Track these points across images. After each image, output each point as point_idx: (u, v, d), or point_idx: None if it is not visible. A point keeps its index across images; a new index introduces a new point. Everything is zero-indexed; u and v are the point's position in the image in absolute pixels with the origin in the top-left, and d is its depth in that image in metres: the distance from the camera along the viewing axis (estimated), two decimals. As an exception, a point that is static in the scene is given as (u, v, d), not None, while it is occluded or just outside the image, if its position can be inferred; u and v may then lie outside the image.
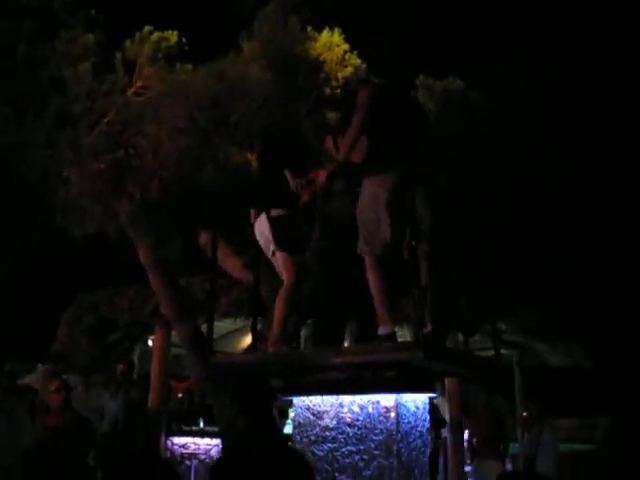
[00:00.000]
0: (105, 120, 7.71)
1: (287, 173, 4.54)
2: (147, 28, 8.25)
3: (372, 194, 4.13)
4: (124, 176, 6.74)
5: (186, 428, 9.85)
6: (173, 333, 8.83)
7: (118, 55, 8.12)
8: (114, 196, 6.76)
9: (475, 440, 8.74)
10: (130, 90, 8.04)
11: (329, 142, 4.68)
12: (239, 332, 10.78)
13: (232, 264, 7.21)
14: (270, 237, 4.48)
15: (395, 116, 4.28)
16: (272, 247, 4.49)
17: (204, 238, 7.40)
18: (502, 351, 8.11)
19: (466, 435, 9.30)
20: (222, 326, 10.05)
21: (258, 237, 4.62)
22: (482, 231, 6.16)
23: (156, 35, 8.20)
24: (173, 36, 8.17)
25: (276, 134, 5.08)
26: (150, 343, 10.40)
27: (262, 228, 4.55)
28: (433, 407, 7.43)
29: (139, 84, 8.05)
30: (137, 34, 8.19)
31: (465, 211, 6.43)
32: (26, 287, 12.12)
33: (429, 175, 4.37)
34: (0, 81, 7.96)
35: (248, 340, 10.31)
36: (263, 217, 4.54)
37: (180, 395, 10.83)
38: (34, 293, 12.63)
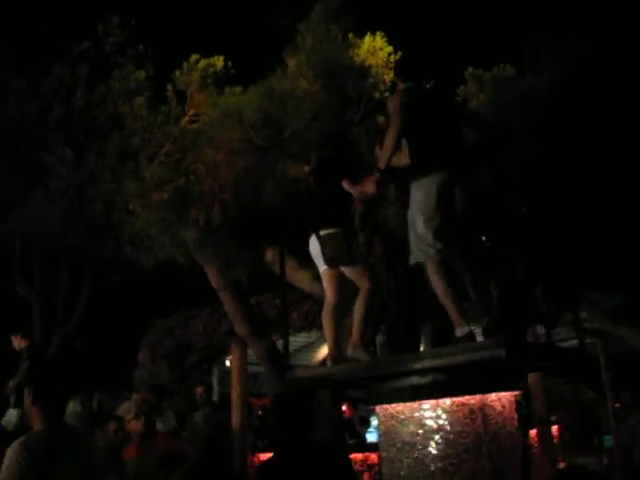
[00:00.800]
0: (163, 151, 7.95)
1: (345, 183, 4.55)
2: (194, 57, 8.45)
3: (419, 198, 4.11)
4: (187, 203, 6.90)
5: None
6: (249, 352, 8.94)
7: (169, 86, 8.37)
8: (179, 223, 6.93)
9: (566, 436, 8.42)
10: (184, 119, 8.26)
11: (378, 149, 4.67)
12: (313, 345, 10.84)
13: (300, 278, 7.25)
14: (319, 254, 4.55)
15: (432, 116, 4.24)
16: (322, 265, 4.58)
17: (270, 255, 7.49)
18: (587, 340, 7.83)
19: (555, 431, 8.99)
20: (296, 340, 10.11)
21: (311, 253, 4.70)
22: (555, 218, 5.99)
23: (203, 62, 8.39)
24: (219, 61, 8.34)
25: (330, 145, 5.10)
26: (228, 363, 10.57)
27: (313, 245, 4.61)
28: (519, 404, 7.23)
29: (192, 112, 8.27)
30: (185, 64, 8.42)
31: (536, 199, 6.27)
32: (104, 317, 12.59)
33: (473, 170, 4.30)
34: (61, 124, 8.34)
35: (322, 353, 10.35)
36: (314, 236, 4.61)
37: (260, 412, 10.95)
38: (113, 322, 13.09)
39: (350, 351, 4.42)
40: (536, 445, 8.90)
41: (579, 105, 7.37)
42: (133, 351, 10.76)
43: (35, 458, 3.38)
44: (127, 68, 8.39)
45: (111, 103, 8.36)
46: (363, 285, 4.41)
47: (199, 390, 8.56)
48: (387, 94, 7.60)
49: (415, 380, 4.16)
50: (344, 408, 11.52)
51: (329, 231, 4.53)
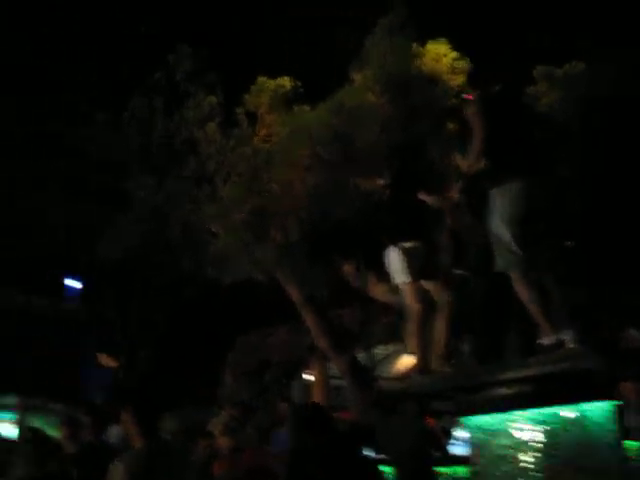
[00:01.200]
0: (237, 171, 8.18)
1: (422, 195, 4.53)
2: (262, 79, 8.68)
3: (503, 206, 4.04)
4: (264, 222, 7.06)
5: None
6: (329, 365, 8.99)
7: (239, 109, 8.62)
8: (258, 242, 7.09)
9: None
10: (255, 140, 8.48)
11: (455, 157, 4.63)
12: (391, 357, 10.76)
13: (378, 290, 7.26)
14: (398, 268, 4.52)
15: (508, 122, 4.17)
16: (401, 277, 4.54)
17: (347, 269, 7.53)
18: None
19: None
20: (378, 353, 10.08)
21: (388, 266, 4.67)
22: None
23: (271, 83, 8.60)
24: (287, 81, 8.53)
25: (401, 157, 5.10)
26: (306, 377, 10.65)
27: (392, 259, 4.61)
28: (620, 415, 6.87)
29: (262, 132, 8.47)
30: (253, 86, 8.65)
31: (618, 198, 6.04)
32: (186, 335, 12.97)
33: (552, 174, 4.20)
34: (139, 152, 8.75)
35: (401, 364, 10.26)
36: (392, 249, 4.59)
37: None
38: (194, 340, 13.47)
39: (435, 363, 4.38)
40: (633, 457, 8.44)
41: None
42: (215, 368, 11.03)
43: (135, 474, 3.54)
44: (199, 95, 8.71)
45: (185, 130, 8.69)
46: (444, 298, 4.37)
47: (282, 406, 8.65)
48: (455, 100, 7.54)
49: (503, 391, 4.07)
50: (429, 421, 11.33)
51: (411, 244, 4.51)
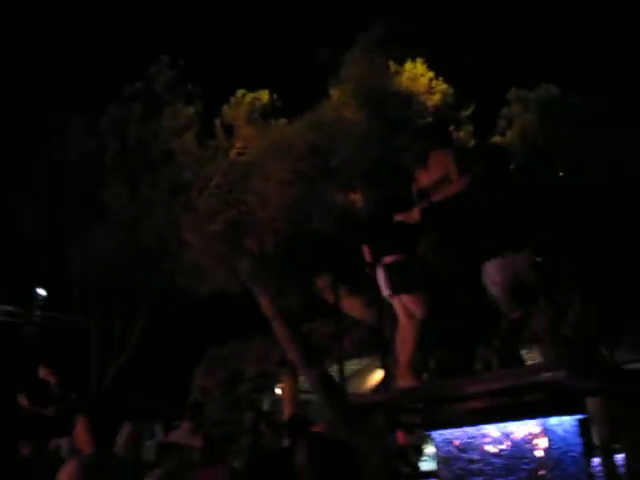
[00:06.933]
0: (213, 183, 8.17)
1: (399, 215, 4.59)
2: (240, 91, 8.71)
3: (493, 275, 4.21)
4: (240, 233, 7.05)
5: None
6: (300, 379, 8.97)
7: (217, 121, 8.63)
8: (233, 254, 7.07)
9: (633, 465, 8.07)
10: (232, 152, 8.48)
11: (421, 176, 4.71)
12: (363, 372, 10.78)
13: (350, 305, 7.28)
14: (381, 283, 4.57)
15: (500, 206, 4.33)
16: (385, 292, 4.59)
17: (321, 282, 7.55)
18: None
19: (619, 460, 8.61)
20: (348, 368, 10.08)
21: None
22: (616, 240, 5.88)
23: (249, 96, 8.63)
24: (265, 94, 8.57)
25: (379, 174, 5.19)
26: (278, 392, 10.60)
27: (378, 274, 4.66)
28: (586, 431, 6.95)
29: (239, 145, 8.48)
30: (232, 98, 8.68)
31: (597, 219, 6.16)
32: (160, 347, 12.81)
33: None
34: (115, 161, 8.68)
35: (373, 379, 10.29)
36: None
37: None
38: (168, 351, 13.30)
39: (399, 379, 4.41)
40: (600, 474, 8.54)
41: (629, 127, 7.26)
42: (188, 380, 10.91)
43: (86, 477, 3.54)
44: (177, 106, 8.70)
45: (162, 139, 8.66)
46: (417, 313, 4.41)
47: (249, 416, 8.56)
48: (430, 119, 7.68)
49: (472, 404, 4.12)
50: (399, 436, 11.34)
51: (391, 259, 4.55)
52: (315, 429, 10.75)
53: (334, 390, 6.97)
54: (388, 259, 4.49)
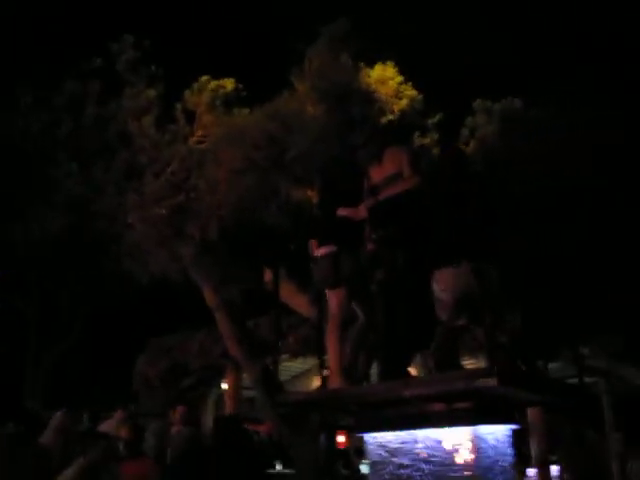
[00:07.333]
0: (170, 169, 7.96)
1: (341, 210, 4.49)
2: (204, 78, 8.52)
3: (442, 284, 4.14)
4: (184, 219, 6.87)
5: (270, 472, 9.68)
6: (245, 375, 8.80)
7: (178, 106, 8.43)
8: (176, 239, 6.89)
9: (567, 477, 8.19)
10: (192, 138, 8.29)
11: (374, 172, 4.64)
12: (310, 372, 10.67)
13: (298, 301, 7.16)
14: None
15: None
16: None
17: (269, 276, 7.40)
18: (588, 379, 7.63)
19: (555, 471, 8.73)
20: (294, 367, 9.96)
21: None
22: (560, 253, 5.89)
23: (213, 84, 8.45)
24: (229, 83, 8.40)
25: (333, 168, 5.08)
26: (225, 387, 10.41)
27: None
28: (521, 441, 7.00)
29: (200, 133, 8.29)
30: (195, 84, 8.48)
31: (540, 233, 6.17)
32: (102, 334, 12.48)
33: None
34: (69, 139, 8.39)
35: (319, 379, 10.18)
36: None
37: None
38: (110, 340, 12.97)
39: (339, 377, 4.30)
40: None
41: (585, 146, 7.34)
42: (129, 370, 10.64)
43: None
44: (138, 86, 8.46)
45: (120, 120, 8.40)
46: (334, 311, 4.33)
47: (179, 409, 8.27)
48: (391, 117, 7.63)
49: (403, 408, 4.04)
50: (342, 438, 11.29)
51: (323, 252, 4.45)
52: (261, 428, 10.67)
53: (274, 387, 6.84)
54: (319, 251, 4.39)
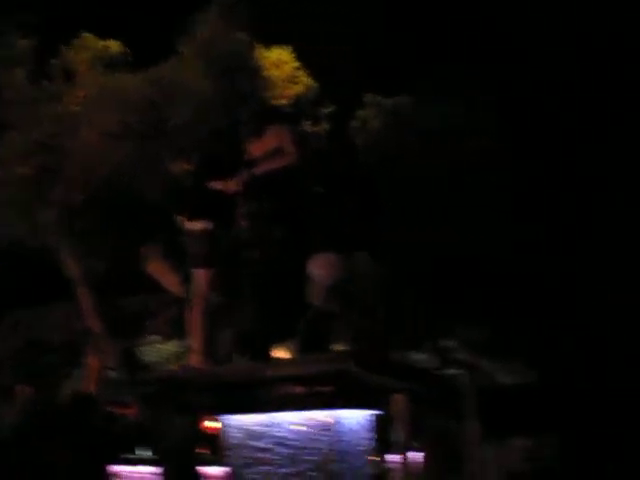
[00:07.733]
0: (41, 128, 7.33)
1: (215, 183, 4.32)
2: (87, 35, 7.95)
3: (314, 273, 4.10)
4: (52, 182, 6.35)
5: (128, 456, 9.27)
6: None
7: (55, 62, 7.81)
8: (38, 202, 6.34)
9: (429, 463, 8.48)
10: (68, 98, 7.68)
11: (254, 147, 4.52)
12: (185, 355, 10.33)
13: (170, 281, 6.79)
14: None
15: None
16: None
17: (143, 252, 6.98)
18: (453, 371, 7.91)
19: (418, 457, 8.98)
20: (165, 349, 9.57)
21: None
22: (428, 247, 6.00)
23: (97, 43, 7.91)
24: (115, 45, 7.89)
25: (214, 142, 4.87)
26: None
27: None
28: (383, 427, 7.12)
29: (79, 93, 7.71)
30: (76, 40, 7.90)
31: (414, 225, 6.27)
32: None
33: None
34: None
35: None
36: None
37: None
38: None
39: (197, 357, 4.13)
40: (396, 470, 8.84)
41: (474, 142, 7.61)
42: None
43: None
44: (10, 35, 7.75)
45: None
46: (201, 290, 4.16)
47: (18, 388, 7.64)
48: (284, 102, 7.49)
49: (265, 391, 3.94)
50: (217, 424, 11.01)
51: (198, 228, 4.25)
52: (128, 411, 10.18)
53: (137, 368, 6.51)
54: (191, 225, 4.19)
